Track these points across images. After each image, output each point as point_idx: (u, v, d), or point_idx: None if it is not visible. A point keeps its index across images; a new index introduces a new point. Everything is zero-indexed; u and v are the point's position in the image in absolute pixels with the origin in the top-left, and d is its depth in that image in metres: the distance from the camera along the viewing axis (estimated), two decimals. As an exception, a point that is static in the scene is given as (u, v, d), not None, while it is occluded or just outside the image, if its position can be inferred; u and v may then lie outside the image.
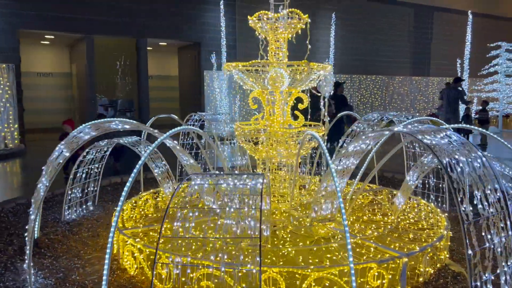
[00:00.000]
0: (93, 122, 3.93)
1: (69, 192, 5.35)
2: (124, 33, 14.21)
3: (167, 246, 3.81)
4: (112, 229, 2.76)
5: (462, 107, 14.11)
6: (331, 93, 4.39)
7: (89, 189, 5.75)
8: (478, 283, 2.69)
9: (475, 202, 2.85)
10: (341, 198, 2.64)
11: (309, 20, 4.58)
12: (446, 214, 4.57)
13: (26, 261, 3.82)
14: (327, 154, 2.95)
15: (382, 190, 5.87)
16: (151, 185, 6.83)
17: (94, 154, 5.46)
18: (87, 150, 5.35)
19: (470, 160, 3.00)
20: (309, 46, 4.63)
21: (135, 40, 14.85)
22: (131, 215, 4.94)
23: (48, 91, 17.15)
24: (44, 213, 5.56)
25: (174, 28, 14.83)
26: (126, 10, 13.90)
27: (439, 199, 5.80)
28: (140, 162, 3.11)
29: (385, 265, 3.31)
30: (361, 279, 3.24)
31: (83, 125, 3.96)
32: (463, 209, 2.72)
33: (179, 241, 3.46)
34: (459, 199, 2.74)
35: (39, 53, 16.74)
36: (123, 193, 2.84)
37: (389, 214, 4.77)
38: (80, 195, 5.60)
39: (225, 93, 15.58)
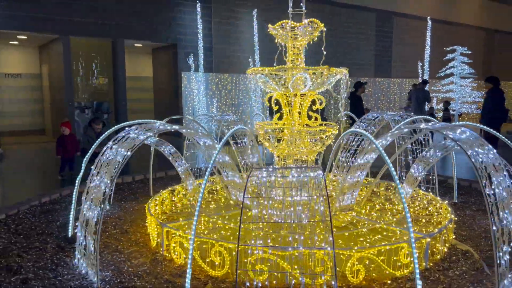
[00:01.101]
0: (138, 121, 4.17)
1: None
2: (101, 34, 14.10)
3: (214, 236, 4.14)
4: (193, 227, 3.06)
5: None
6: (348, 94, 4.87)
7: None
8: (501, 253, 3.25)
9: (492, 187, 3.42)
10: (398, 182, 3.09)
11: (325, 29, 5.04)
12: (447, 202, 5.17)
13: (77, 257, 4.02)
14: (375, 141, 3.39)
15: (380, 183, 6.44)
16: (155, 185, 7.07)
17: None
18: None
19: (485, 152, 3.58)
20: (325, 52, 5.10)
21: (110, 41, 14.76)
22: (155, 211, 5.18)
23: (18, 93, 16.63)
24: (62, 214, 5.68)
25: (151, 29, 14.88)
26: (103, 11, 13.81)
27: (429, 190, 6.43)
28: (214, 155, 3.42)
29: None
30: (394, 257, 3.72)
31: (125, 123, 4.19)
32: (487, 192, 3.27)
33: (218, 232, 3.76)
34: (483, 184, 3.29)
35: (8, 54, 16.19)
36: (203, 186, 3.15)
37: (396, 203, 5.32)
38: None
39: (202, 94, 15.82)
